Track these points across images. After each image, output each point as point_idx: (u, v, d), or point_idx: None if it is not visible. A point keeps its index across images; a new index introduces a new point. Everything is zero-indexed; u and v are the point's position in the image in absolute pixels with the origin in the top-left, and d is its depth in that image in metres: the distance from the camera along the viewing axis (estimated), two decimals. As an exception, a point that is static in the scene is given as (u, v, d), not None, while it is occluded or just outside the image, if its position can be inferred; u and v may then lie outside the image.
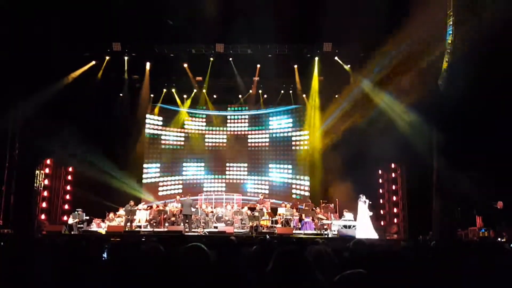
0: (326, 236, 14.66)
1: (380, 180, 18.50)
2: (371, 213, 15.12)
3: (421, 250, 5.50)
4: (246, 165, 22.28)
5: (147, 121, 21.15)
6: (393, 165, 17.61)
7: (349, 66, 17.63)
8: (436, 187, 14.39)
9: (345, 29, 14.30)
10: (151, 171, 21.23)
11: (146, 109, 20.83)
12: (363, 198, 15.29)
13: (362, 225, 14.83)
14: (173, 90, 20.67)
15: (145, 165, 20.90)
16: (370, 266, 2.07)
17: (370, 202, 15.40)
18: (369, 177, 17.88)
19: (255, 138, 22.50)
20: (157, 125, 21.63)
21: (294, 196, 20.88)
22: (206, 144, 22.54)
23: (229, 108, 22.60)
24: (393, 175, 17.72)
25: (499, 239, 12.06)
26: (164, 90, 20.52)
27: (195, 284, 2.36)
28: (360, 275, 1.94)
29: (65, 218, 17.39)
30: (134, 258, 3.20)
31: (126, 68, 18.03)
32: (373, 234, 14.57)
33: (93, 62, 17.47)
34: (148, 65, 18.46)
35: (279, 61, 17.64)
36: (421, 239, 13.69)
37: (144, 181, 20.75)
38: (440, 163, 14.09)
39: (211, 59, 17.81)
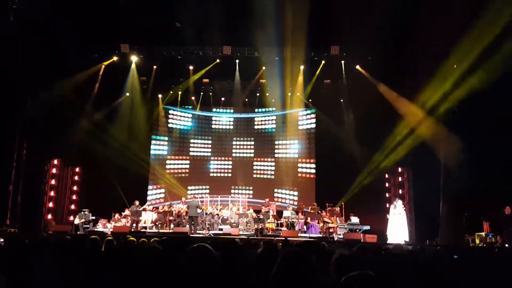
0: (332, 239, 14.60)
1: (387, 184, 18.40)
2: (402, 216, 15.17)
3: (427, 255, 5.46)
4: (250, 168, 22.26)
5: (154, 122, 21.19)
6: (400, 169, 17.52)
7: (358, 66, 17.57)
8: (443, 192, 14.33)
9: (353, 32, 14.29)
10: (156, 172, 21.23)
11: (152, 111, 20.90)
12: (395, 202, 15.41)
13: (391, 229, 15.00)
14: (179, 92, 20.72)
15: (150, 163, 20.92)
16: (372, 269, 2.04)
17: (404, 207, 15.49)
18: (376, 181, 17.79)
19: (262, 141, 22.46)
20: (163, 125, 21.63)
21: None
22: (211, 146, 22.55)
23: (233, 111, 22.58)
24: (400, 179, 17.64)
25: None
26: (171, 92, 20.59)
27: (201, 285, 2.34)
28: (366, 276, 1.92)
29: (71, 218, 17.48)
30: (138, 258, 3.20)
31: (135, 68, 18.09)
32: (401, 239, 14.53)
33: (103, 66, 17.55)
34: (154, 67, 18.51)
35: (286, 64, 17.62)
36: (427, 243, 13.62)
37: (149, 181, 20.76)
38: (448, 168, 14.03)
39: (218, 60, 17.85)
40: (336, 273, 2.62)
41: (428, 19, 12.67)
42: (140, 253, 3.34)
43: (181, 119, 22.04)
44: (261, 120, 22.44)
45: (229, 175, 22.20)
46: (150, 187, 20.55)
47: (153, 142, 21.14)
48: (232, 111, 22.52)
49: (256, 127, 22.52)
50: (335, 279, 2.23)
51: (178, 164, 21.93)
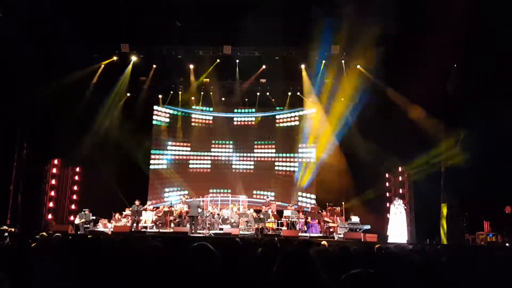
0: (332, 239, 14.60)
1: (387, 184, 18.40)
2: (402, 216, 15.20)
3: (427, 254, 5.46)
4: (252, 167, 22.21)
5: (154, 122, 21.22)
6: (400, 169, 17.52)
7: (359, 66, 17.51)
8: (444, 191, 14.34)
9: (353, 32, 14.31)
10: (157, 171, 21.24)
11: (151, 111, 20.99)
12: (395, 201, 15.41)
13: (392, 228, 15.01)
14: (180, 92, 20.73)
15: (151, 167, 20.93)
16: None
17: (404, 206, 15.49)
18: (377, 181, 17.82)
19: (261, 140, 22.45)
20: (164, 124, 21.64)
21: (299, 199, 20.82)
22: (212, 146, 22.51)
23: (235, 110, 22.53)
24: (400, 178, 17.63)
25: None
26: (171, 92, 20.60)
27: (202, 284, 2.34)
28: (367, 274, 1.92)
29: (71, 218, 17.49)
30: (139, 257, 3.20)
31: (131, 68, 18.04)
32: (402, 238, 14.54)
33: (103, 66, 17.51)
34: (153, 68, 18.47)
35: (287, 63, 17.61)
36: (428, 243, 13.63)
37: (150, 181, 20.76)
38: (448, 167, 14.05)
39: (218, 60, 17.83)
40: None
41: (428, 18, 12.70)
42: (142, 252, 3.34)
43: (181, 118, 22.05)
44: (262, 120, 22.41)
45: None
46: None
47: (154, 142, 21.18)
48: (236, 110, 22.46)
49: (257, 126, 22.49)
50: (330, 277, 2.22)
51: (180, 164, 21.97)
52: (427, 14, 12.99)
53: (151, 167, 20.82)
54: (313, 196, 20.38)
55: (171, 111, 21.65)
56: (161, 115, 21.44)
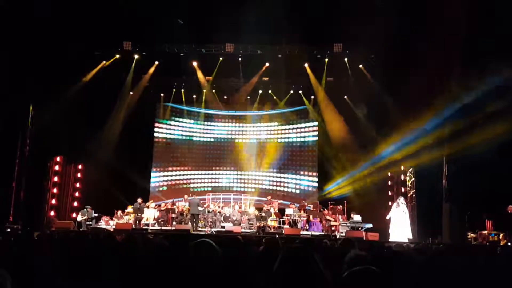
0: (334, 237, 14.59)
1: (390, 182, 18.37)
2: (405, 214, 15.16)
3: (429, 253, 5.45)
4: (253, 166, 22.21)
5: (155, 120, 21.26)
6: (402, 167, 17.49)
7: (361, 66, 17.45)
8: (446, 190, 14.31)
9: (356, 30, 14.26)
10: (158, 170, 21.27)
11: (153, 109, 21.03)
12: (398, 200, 15.37)
13: (394, 227, 14.96)
14: (182, 90, 20.72)
15: (153, 164, 20.96)
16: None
17: (406, 204, 15.48)
18: (378, 179, 17.83)
19: (262, 139, 22.43)
20: (166, 124, 21.67)
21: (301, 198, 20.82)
22: (214, 144, 22.51)
23: (236, 109, 22.51)
24: (403, 177, 17.61)
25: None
26: (174, 90, 20.60)
27: (204, 280, 2.35)
28: (369, 271, 1.91)
29: (74, 215, 17.53)
30: (142, 255, 3.21)
31: (133, 67, 18.04)
32: (405, 237, 14.52)
33: (104, 62, 17.49)
34: (155, 64, 18.45)
35: (289, 61, 17.57)
36: (430, 241, 13.61)
37: (152, 180, 20.80)
38: (451, 165, 14.03)
39: (221, 58, 17.80)
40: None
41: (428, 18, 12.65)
42: (147, 249, 3.35)
43: (184, 118, 22.06)
44: (265, 119, 22.40)
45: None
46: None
47: (155, 142, 21.21)
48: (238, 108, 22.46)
49: (259, 125, 22.50)
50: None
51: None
52: (427, 14, 12.93)
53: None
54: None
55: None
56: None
